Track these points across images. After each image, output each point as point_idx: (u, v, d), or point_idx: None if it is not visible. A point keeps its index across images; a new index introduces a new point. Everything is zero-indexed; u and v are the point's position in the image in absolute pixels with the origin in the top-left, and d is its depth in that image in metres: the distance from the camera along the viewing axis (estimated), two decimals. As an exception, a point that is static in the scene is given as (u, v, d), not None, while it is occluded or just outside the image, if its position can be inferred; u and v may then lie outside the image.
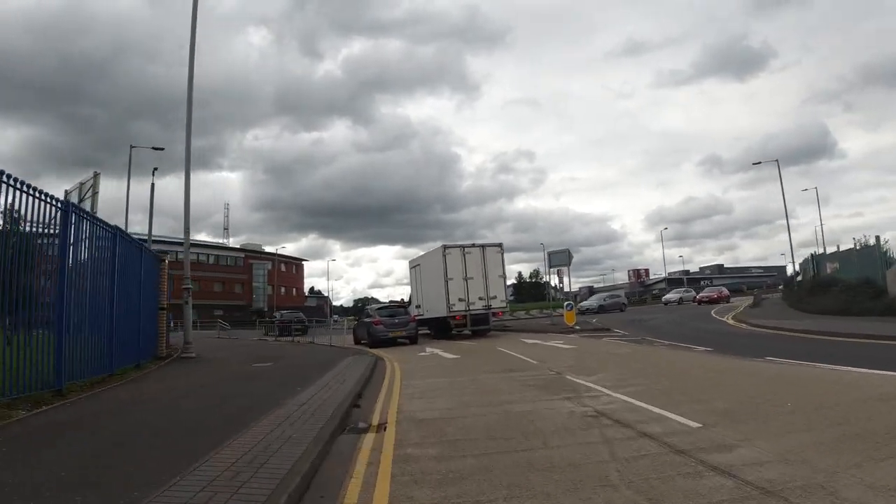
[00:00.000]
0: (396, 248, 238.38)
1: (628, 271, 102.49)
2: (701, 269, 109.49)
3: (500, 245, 24.22)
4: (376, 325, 21.11)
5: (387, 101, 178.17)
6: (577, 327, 23.62)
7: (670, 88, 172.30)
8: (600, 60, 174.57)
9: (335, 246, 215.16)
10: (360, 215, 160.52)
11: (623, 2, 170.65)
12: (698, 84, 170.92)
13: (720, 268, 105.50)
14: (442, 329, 23.23)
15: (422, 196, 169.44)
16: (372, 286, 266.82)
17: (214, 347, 24.00)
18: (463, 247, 23.48)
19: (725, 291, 47.89)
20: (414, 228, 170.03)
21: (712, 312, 31.51)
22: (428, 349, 18.66)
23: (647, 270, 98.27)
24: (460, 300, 22.50)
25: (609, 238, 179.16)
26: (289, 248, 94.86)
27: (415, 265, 27.31)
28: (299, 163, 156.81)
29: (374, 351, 18.63)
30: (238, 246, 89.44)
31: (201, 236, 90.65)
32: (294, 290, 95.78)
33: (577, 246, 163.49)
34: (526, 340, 19.73)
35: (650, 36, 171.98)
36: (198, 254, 78.71)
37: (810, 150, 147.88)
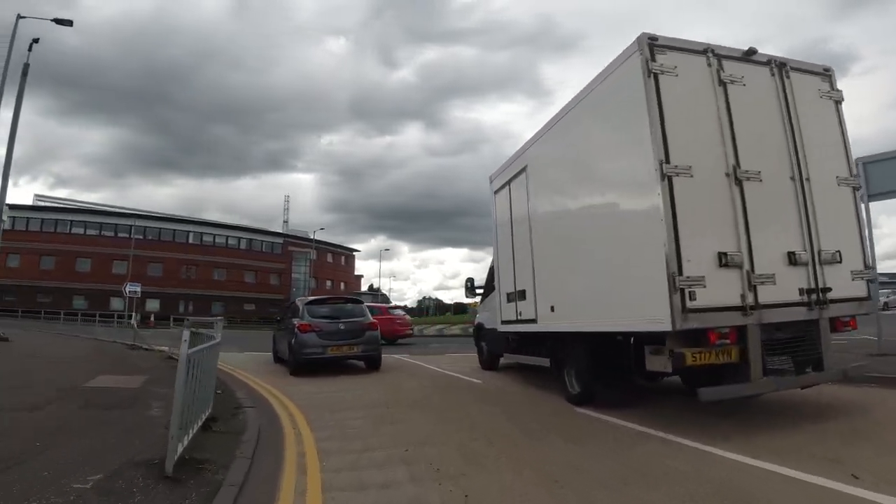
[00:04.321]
0: (463, 251, 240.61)
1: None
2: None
3: (826, 72, 6.70)
4: (304, 330, 11.33)
5: (459, 107, 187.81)
6: None
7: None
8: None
9: (403, 248, 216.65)
10: (428, 218, 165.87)
11: (699, 6, 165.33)
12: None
13: None
14: (607, 362, 7.17)
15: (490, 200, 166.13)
16: (438, 288, 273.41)
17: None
18: (718, 56, 6.15)
19: None
20: (480, 232, 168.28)
21: None
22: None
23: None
24: (730, 259, 5.65)
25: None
26: (356, 249, 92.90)
27: (513, 174, 10.18)
28: (371, 166, 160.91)
29: (278, 394, 8.93)
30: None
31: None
32: (343, 284, 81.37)
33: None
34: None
35: (725, 41, 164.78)
36: (227, 237, 66.49)
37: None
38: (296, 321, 11.82)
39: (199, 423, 5.91)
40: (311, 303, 12.47)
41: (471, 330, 29.35)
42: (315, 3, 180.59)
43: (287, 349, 12.06)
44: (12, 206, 59.19)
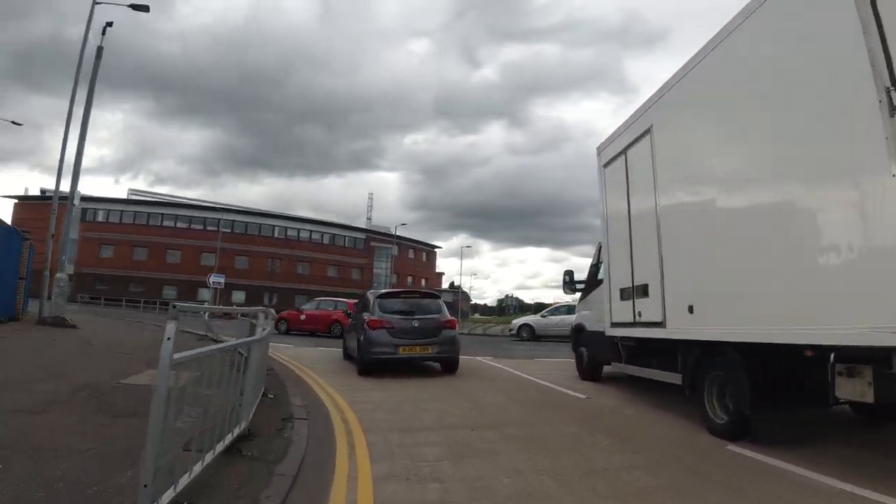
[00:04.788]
0: (544, 251, 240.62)
1: None
2: None
3: None
4: (374, 327, 10.08)
5: (542, 105, 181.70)
6: None
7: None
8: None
9: (484, 246, 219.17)
10: (509, 217, 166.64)
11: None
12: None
13: None
14: (774, 384, 5.16)
15: (572, 199, 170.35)
16: (518, 287, 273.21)
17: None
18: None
19: None
20: (562, 232, 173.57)
21: None
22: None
23: None
24: None
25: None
26: (437, 245, 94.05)
27: (632, 139, 8.21)
28: (454, 164, 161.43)
29: (340, 401, 7.63)
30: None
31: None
32: (424, 280, 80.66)
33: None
34: None
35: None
36: (311, 231, 67.24)
37: None
38: (366, 316, 10.59)
39: (225, 443, 4.39)
40: (382, 296, 11.11)
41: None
42: (398, 5, 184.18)
43: (356, 346, 10.90)
44: (107, 200, 62.35)
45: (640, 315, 7.61)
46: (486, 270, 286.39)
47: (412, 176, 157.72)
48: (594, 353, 10.05)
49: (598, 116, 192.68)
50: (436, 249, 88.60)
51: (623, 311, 8.13)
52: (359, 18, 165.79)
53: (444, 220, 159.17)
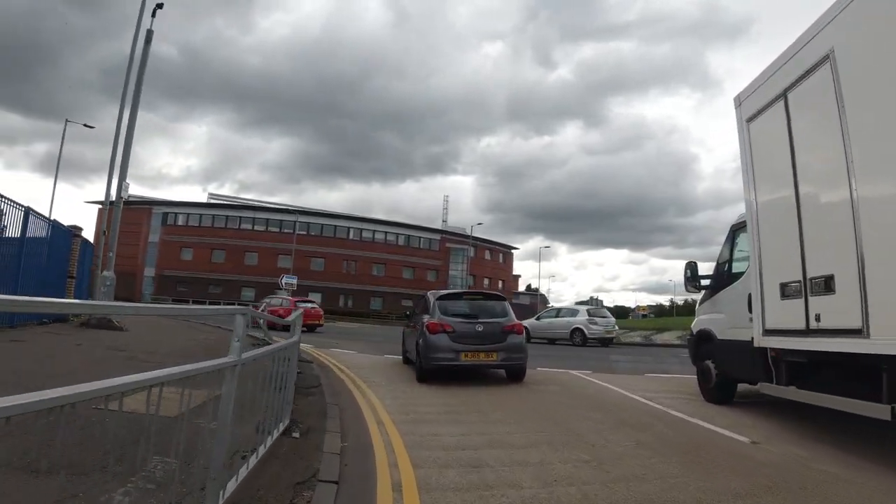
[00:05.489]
0: (623, 253, 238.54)
1: None
2: None
3: None
4: (433, 331, 9.29)
5: (619, 103, 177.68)
6: None
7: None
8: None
9: (561, 248, 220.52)
10: (586, 218, 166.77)
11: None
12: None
13: None
14: None
15: (653, 199, 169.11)
16: (596, 290, 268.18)
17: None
18: None
19: None
20: (642, 233, 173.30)
21: None
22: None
23: None
24: None
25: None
26: (514, 246, 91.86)
27: (797, 76, 5.91)
28: (529, 166, 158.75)
29: (391, 431, 5.81)
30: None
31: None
32: (500, 282, 78.50)
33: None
34: None
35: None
36: (385, 232, 66.71)
37: None
38: (425, 319, 9.78)
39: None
40: (443, 297, 10.23)
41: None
42: (471, 9, 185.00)
43: (415, 350, 10.12)
44: (187, 204, 63.77)
45: (818, 319, 5.35)
46: (563, 273, 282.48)
47: (486, 179, 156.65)
48: (728, 370, 7.80)
49: (678, 112, 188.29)
50: (513, 251, 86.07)
51: (786, 313, 5.91)
52: (432, 24, 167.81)
53: (519, 223, 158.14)
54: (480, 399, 7.68)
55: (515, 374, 9.84)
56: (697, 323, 9.07)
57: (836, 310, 5.14)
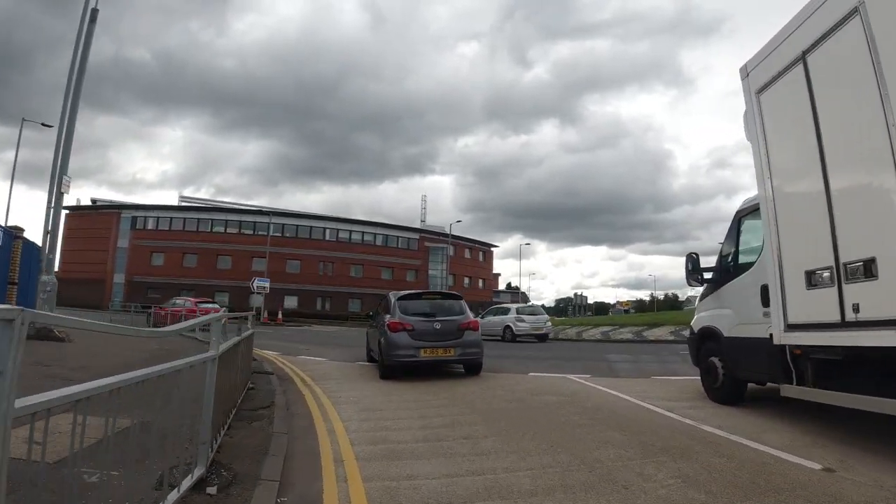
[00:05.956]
0: (601, 250, 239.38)
1: None
2: None
3: None
4: (394, 329, 9.96)
5: (595, 101, 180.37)
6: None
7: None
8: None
9: (540, 247, 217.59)
10: (565, 216, 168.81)
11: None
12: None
13: None
14: None
15: (631, 195, 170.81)
16: (576, 287, 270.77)
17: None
18: None
19: None
20: (620, 230, 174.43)
21: None
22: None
23: None
24: None
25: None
26: (494, 244, 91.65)
27: (818, 35, 5.08)
28: (507, 165, 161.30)
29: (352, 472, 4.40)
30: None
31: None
32: (480, 281, 77.93)
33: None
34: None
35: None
36: (363, 233, 65.45)
37: None
38: (387, 318, 10.31)
39: None
40: (403, 297, 10.82)
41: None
42: (448, 10, 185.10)
43: (377, 349, 10.73)
44: (157, 207, 61.91)
45: (857, 309, 4.50)
46: (542, 271, 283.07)
47: (466, 178, 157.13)
48: (737, 370, 7.00)
49: (654, 110, 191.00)
50: (492, 248, 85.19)
51: (814, 305, 5.14)
52: (409, 25, 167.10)
53: (499, 222, 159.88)
54: (467, 418, 6.38)
55: (472, 368, 10.43)
56: (699, 320, 8.24)
57: (880, 297, 4.30)
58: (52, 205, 12.48)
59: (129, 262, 56.86)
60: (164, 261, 56.35)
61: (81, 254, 56.84)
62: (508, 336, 22.18)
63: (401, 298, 10.69)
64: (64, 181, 12.48)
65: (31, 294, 14.44)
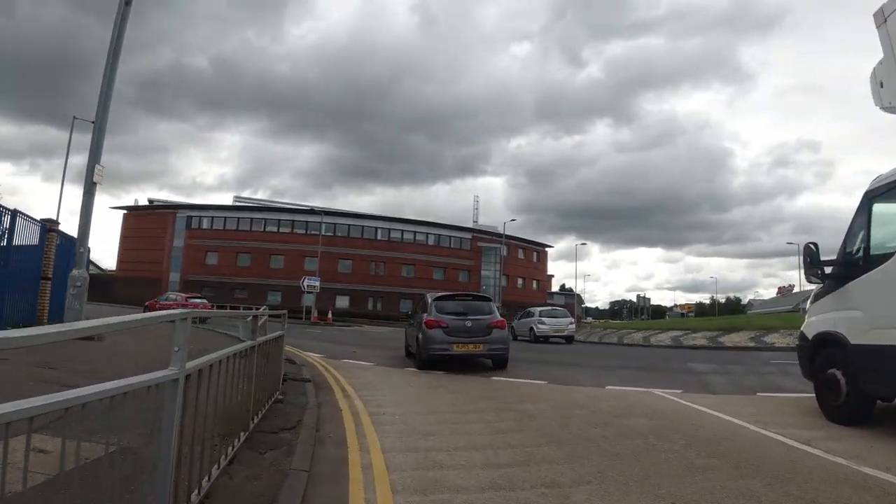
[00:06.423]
0: (657, 251, 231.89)
1: None
2: None
3: None
4: (430, 326, 11.07)
5: (650, 100, 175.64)
6: None
7: None
8: None
9: (593, 248, 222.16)
10: (618, 216, 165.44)
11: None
12: None
13: None
14: None
15: (687, 195, 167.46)
16: (630, 289, 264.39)
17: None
18: None
19: None
20: (676, 231, 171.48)
21: None
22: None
23: None
24: None
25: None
26: (548, 245, 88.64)
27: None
28: (560, 165, 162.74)
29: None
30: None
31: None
32: (534, 282, 76.04)
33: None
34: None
35: None
36: (415, 232, 64.71)
37: None
38: (424, 316, 11.45)
39: None
40: (439, 298, 12.03)
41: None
42: (498, 10, 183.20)
43: (415, 344, 11.90)
44: (212, 207, 62.58)
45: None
46: (595, 272, 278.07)
47: (517, 179, 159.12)
48: (870, 382, 5.76)
49: (711, 107, 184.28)
50: (547, 249, 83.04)
51: None
52: (460, 26, 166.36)
53: (551, 223, 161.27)
54: (544, 451, 4.90)
55: (499, 363, 11.50)
56: (812, 324, 6.86)
57: None
58: (85, 194, 11.68)
59: (185, 261, 57.66)
60: (218, 260, 56.95)
61: (139, 253, 58.10)
62: (531, 337, 23.93)
63: (436, 299, 11.88)
64: (97, 171, 11.68)
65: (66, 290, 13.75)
